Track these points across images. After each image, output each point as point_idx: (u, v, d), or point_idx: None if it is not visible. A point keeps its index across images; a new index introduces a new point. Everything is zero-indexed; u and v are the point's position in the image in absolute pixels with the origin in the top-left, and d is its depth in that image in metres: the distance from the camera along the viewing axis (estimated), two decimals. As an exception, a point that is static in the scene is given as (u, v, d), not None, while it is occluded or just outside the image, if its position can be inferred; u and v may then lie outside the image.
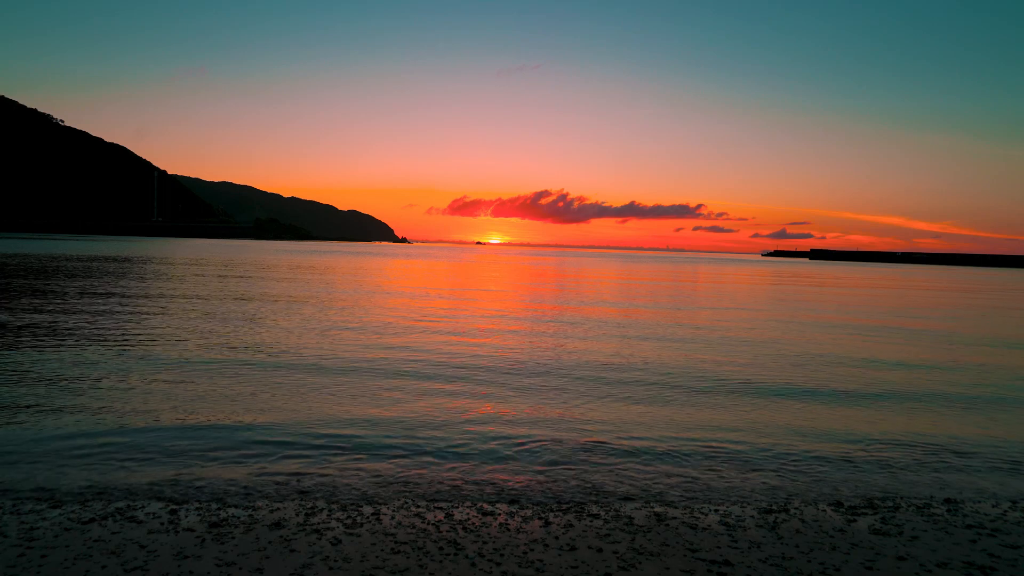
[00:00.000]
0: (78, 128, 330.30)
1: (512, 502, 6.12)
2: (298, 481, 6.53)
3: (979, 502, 6.59)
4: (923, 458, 8.09)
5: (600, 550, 5.13)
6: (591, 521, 5.72)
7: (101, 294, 24.85)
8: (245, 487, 6.32)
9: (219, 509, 5.73)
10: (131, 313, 19.42)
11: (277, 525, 5.41)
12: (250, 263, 54.96)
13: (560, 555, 5.02)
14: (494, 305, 27.20)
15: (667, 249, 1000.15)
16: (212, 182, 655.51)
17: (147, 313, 19.51)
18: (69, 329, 15.85)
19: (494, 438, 8.25)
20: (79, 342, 14.08)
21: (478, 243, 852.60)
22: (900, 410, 10.59)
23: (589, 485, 6.71)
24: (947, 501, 6.56)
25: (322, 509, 5.79)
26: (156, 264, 49.39)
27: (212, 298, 24.76)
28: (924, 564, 5.07)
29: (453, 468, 7.11)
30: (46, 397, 9.49)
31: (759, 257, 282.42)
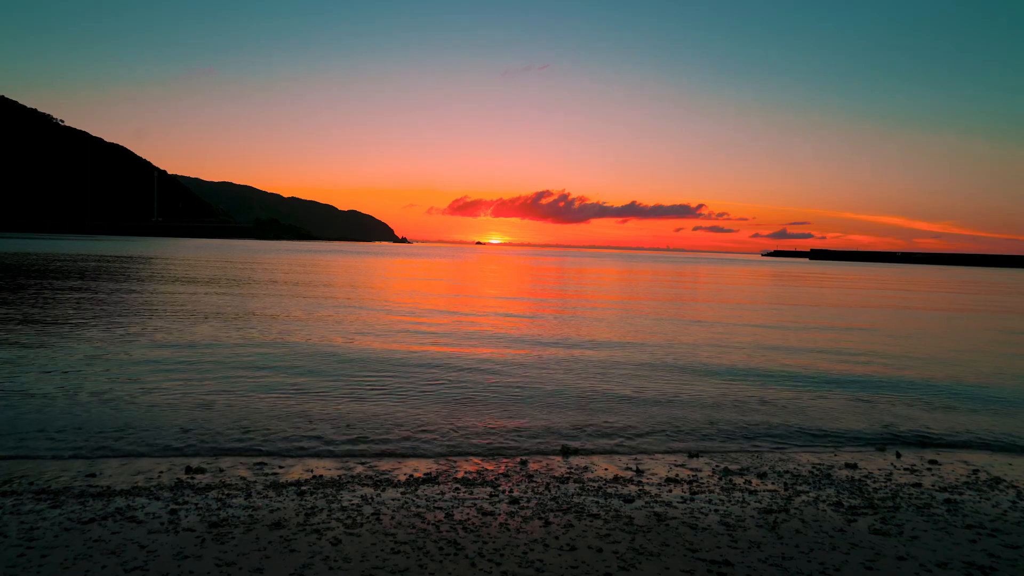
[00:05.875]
0: (78, 128, 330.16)
1: (512, 502, 6.12)
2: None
3: (979, 502, 6.59)
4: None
5: (600, 550, 5.12)
6: (591, 521, 5.71)
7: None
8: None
9: (219, 509, 5.73)
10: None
11: (277, 525, 5.40)
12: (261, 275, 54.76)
13: (560, 555, 5.01)
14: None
15: (667, 249, 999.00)
16: (212, 182, 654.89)
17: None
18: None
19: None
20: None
21: (478, 243, 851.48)
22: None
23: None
24: (947, 501, 6.56)
25: (322, 509, 5.79)
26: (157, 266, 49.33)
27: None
28: (924, 564, 5.06)
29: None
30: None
31: (759, 257, 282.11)
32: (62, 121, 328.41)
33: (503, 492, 6.42)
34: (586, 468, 7.33)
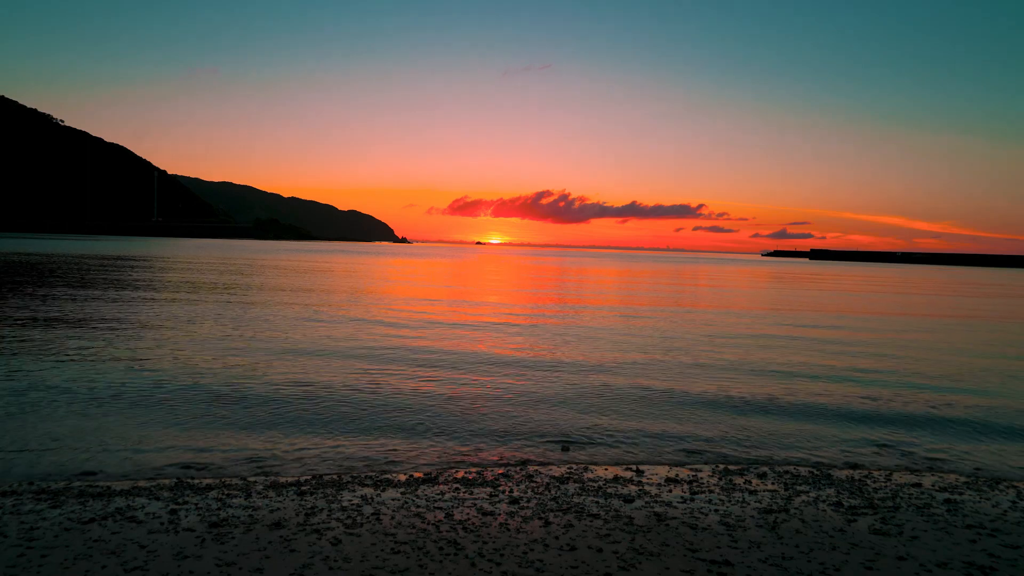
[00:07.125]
0: (78, 128, 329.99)
1: (512, 502, 6.12)
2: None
3: (979, 502, 6.59)
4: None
5: (600, 550, 5.12)
6: (591, 521, 5.71)
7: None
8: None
9: (219, 509, 5.72)
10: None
11: (277, 525, 5.40)
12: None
13: (560, 555, 5.01)
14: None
15: (667, 249, 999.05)
16: (212, 182, 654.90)
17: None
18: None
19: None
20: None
21: (478, 243, 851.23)
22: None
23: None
24: (947, 501, 6.56)
25: (322, 509, 5.79)
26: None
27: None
28: (924, 564, 5.06)
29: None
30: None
31: (759, 257, 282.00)
32: (62, 121, 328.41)
33: (503, 492, 6.42)
34: (586, 468, 7.33)
